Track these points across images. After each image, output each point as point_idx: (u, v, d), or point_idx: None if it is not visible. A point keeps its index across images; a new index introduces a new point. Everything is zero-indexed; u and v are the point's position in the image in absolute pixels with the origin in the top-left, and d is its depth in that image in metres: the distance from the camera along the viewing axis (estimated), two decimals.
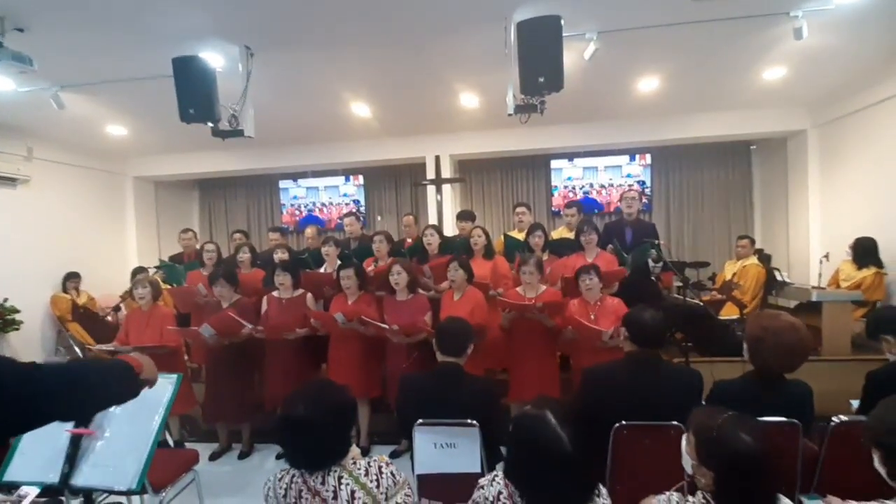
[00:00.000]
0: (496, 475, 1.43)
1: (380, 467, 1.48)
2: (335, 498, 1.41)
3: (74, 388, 1.00)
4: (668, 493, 1.42)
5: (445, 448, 2.14)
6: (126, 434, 1.54)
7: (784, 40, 3.73)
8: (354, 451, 1.54)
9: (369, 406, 3.57)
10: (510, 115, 3.49)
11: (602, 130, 6.16)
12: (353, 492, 1.42)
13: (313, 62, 4.00)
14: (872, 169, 4.90)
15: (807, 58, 4.20)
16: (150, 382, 1.25)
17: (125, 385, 1.14)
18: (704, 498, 1.34)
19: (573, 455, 1.28)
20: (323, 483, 1.43)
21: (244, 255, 4.29)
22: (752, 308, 4.65)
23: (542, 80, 3.05)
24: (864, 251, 4.47)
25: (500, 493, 1.37)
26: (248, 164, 6.89)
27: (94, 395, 1.06)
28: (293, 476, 1.46)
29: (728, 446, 1.29)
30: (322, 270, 4.09)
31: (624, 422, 1.99)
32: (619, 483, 2.03)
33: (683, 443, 1.45)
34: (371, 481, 1.44)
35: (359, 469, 1.46)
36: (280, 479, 1.48)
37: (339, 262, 4.04)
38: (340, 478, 1.43)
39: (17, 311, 5.11)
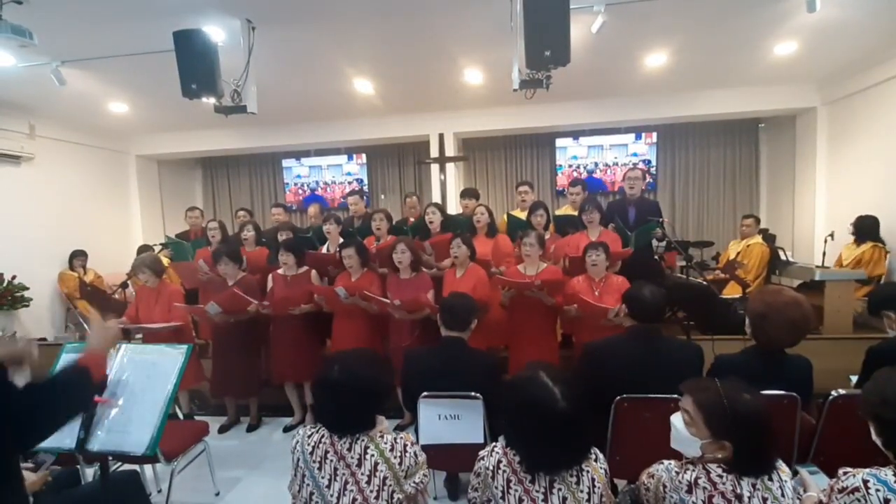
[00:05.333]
0: (495, 446, 1.46)
1: (405, 445, 1.51)
2: (359, 466, 1.45)
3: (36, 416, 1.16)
4: (666, 461, 1.46)
5: (449, 420, 2.19)
6: (139, 402, 1.59)
7: (796, 13, 3.63)
8: (384, 424, 1.56)
9: None
10: (515, 90, 3.43)
11: (608, 108, 6.08)
12: (376, 464, 1.45)
13: (315, 36, 3.94)
14: (881, 147, 4.83)
15: (819, 32, 4.10)
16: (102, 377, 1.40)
17: (81, 399, 1.30)
18: (705, 468, 1.37)
19: (566, 410, 1.31)
20: (350, 449, 1.47)
21: (248, 234, 4.31)
22: (756, 287, 4.65)
23: (548, 53, 3.00)
24: (865, 228, 4.47)
25: (499, 461, 1.41)
26: (250, 143, 6.86)
27: (54, 419, 1.22)
28: (322, 436, 1.50)
29: (744, 412, 1.33)
30: (325, 248, 4.11)
31: (625, 395, 2.02)
32: (619, 454, 2.08)
33: (678, 422, 1.45)
34: (395, 457, 1.48)
35: (385, 443, 1.49)
36: (309, 437, 1.51)
37: (341, 239, 4.05)
38: (367, 448, 1.47)
39: (26, 289, 5.17)
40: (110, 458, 1.69)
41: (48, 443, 1.60)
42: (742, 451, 1.33)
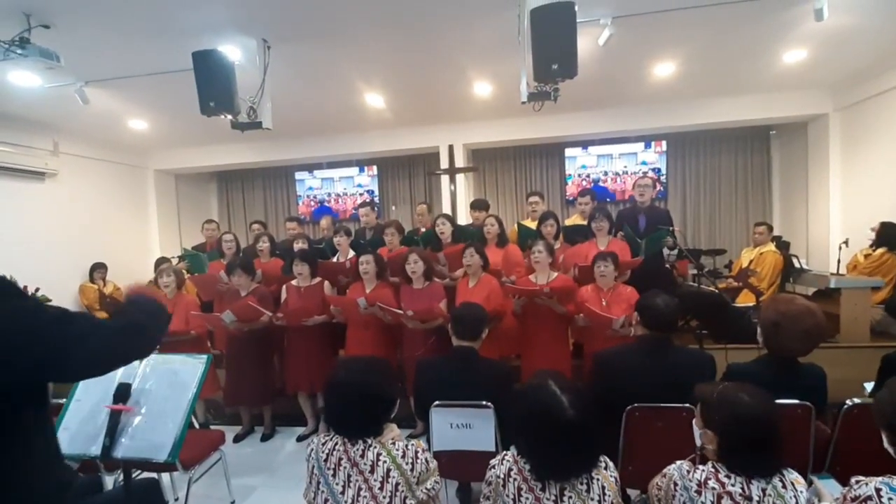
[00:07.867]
0: (505, 454, 1.48)
1: (416, 452, 1.54)
2: (371, 472, 1.48)
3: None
4: (679, 462, 1.47)
5: (461, 428, 2.21)
6: (160, 410, 1.64)
7: (804, 21, 3.65)
8: (395, 431, 1.60)
9: None
10: (524, 103, 3.49)
11: (617, 117, 6.10)
12: (388, 470, 1.48)
13: (328, 53, 4.05)
14: (895, 153, 4.78)
15: (828, 39, 4.10)
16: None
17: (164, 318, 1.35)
18: (714, 467, 1.39)
19: (574, 418, 1.34)
20: (363, 456, 1.50)
21: (263, 245, 4.39)
22: (769, 295, 4.60)
23: (555, 67, 3.05)
24: (888, 234, 4.40)
25: (510, 469, 1.43)
26: (264, 156, 7.01)
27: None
28: (336, 444, 1.54)
29: (728, 403, 1.39)
30: (335, 260, 4.18)
31: (636, 404, 2.02)
32: (631, 464, 2.08)
33: (694, 421, 1.50)
34: (406, 464, 1.50)
35: (397, 450, 1.52)
36: (324, 444, 1.55)
37: (351, 251, 4.12)
38: (379, 455, 1.50)
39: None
40: (134, 463, 1.75)
41: (73, 450, 1.66)
42: (723, 441, 1.38)
